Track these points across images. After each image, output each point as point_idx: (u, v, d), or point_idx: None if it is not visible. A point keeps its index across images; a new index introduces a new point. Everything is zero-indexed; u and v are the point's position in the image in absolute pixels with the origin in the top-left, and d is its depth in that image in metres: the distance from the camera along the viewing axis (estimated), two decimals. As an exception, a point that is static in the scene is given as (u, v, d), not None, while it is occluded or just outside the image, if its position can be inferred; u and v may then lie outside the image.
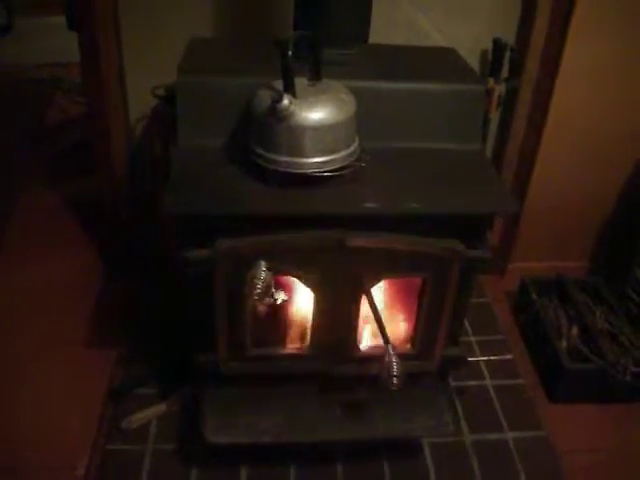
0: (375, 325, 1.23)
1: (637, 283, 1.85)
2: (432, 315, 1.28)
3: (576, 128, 1.77)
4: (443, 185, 1.20)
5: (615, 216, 1.96)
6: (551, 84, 1.71)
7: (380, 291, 1.35)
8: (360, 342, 1.35)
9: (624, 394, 1.65)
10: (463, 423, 1.55)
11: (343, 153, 1.15)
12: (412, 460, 1.47)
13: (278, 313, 1.32)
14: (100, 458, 1.43)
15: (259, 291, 1.10)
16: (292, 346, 1.36)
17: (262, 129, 1.13)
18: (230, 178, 1.16)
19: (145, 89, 1.40)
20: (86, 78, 1.70)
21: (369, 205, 1.12)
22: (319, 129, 1.10)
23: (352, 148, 1.17)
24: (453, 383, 1.56)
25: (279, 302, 1.17)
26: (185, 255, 1.13)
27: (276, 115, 1.08)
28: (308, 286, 1.22)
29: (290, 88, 1.08)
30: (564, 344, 1.72)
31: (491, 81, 1.65)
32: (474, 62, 1.70)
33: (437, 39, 1.67)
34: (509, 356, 1.77)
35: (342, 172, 1.15)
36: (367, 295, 1.22)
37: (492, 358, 1.76)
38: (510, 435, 1.54)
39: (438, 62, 1.43)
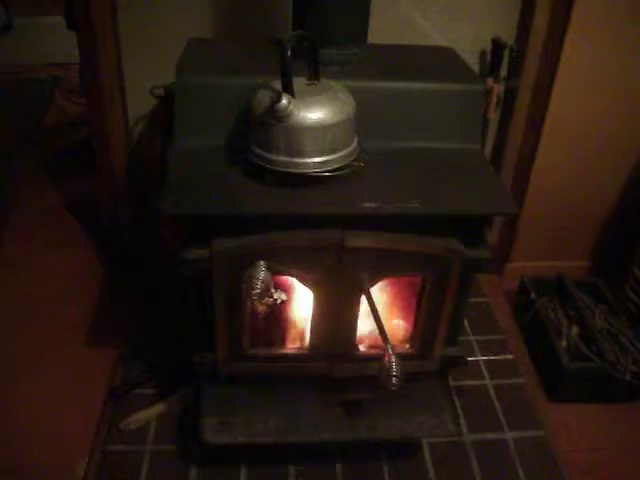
0: (375, 325, 1.23)
1: (637, 283, 1.85)
2: (431, 315, 1.28)
3: (575, 128, 1.77)
4: (442, 185, 1.20)
5: (615, 215, 1.96)
6: (550, 84, 1.70)
7: (379, 291, 1.35)
8: (360, 342, 1.35)
9: (624, 394, 1.65)
10: (463, 423, 1.55)
11: (342, 153, 1.15)
12: (412, 460, 1.47)
13: (277, 313, 1.32)
14: (100, 458, 1.43)
15: (258, 291, 1.10)
16: (291, 346, 1.36)
17: (261, 129, 1.12)
18: (228, 178, 1.16)
19: (144, 89, 1.40)
20: (85, 78, 1.70)
21: (368, 205, 1.12)
22: (318, 129, 1.10)
23: (351, 148, 1.17)
24: (453, 383, 1.55)
25: (278, 302, 1.17)
26: (183, 255, 1.13)
27: (275, 115, 1.08)
28: (307, 286, 1.22)
29: (289, 88, 1.08)
30: (564, 344, 1.71)
31: (490, 81, 1.65)
32: (473, 62, 1.70)
33: (436, 39, 1.67)
34: (509, 356, 1.77)
35: (341, 172, 1.14)
36: (366, 295, 1.22)
37: (492, 358, 1.76)
38: (510, 435, 1.54)
39: (437, 62, 1.42)
